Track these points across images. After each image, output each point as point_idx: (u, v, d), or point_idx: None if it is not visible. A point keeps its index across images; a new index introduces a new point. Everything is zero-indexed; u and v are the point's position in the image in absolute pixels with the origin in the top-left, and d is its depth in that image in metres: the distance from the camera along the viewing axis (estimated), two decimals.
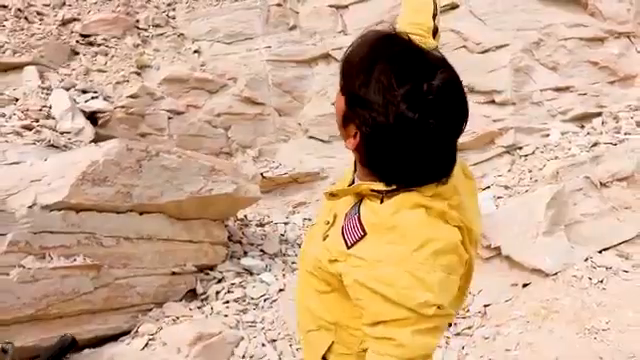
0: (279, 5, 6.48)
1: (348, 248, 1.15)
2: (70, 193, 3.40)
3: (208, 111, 5.77)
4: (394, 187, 1.13)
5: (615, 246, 4.25)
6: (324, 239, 1.24)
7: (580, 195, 4.46)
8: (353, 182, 1.27)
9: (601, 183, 4.54)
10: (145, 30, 5.96)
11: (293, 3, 6.64)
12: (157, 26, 6.05)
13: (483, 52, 6.01)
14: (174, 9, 6.33)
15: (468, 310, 3.88)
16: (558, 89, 5.95)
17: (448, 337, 3.63)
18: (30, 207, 3.26)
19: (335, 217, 1.25)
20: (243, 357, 3.56)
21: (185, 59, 5.91)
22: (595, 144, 5.23)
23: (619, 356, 3.13)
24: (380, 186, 1.14)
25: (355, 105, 1.11)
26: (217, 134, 5.82)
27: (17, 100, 4.49)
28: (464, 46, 6.10)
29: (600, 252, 4.20)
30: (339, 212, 1.25)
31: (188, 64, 5.83)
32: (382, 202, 1.15)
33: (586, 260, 4.08)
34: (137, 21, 5.97)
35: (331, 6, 6.62)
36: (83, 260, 3.44)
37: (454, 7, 6.31)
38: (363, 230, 1.14)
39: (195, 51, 6.07)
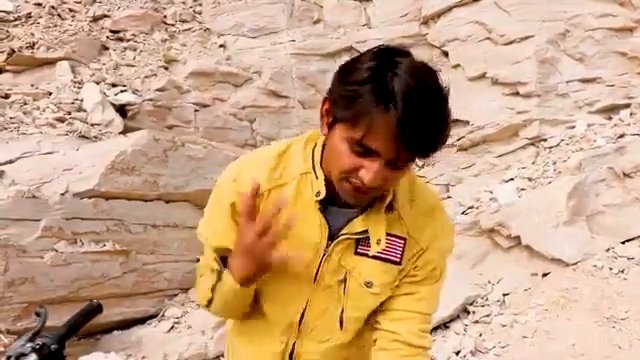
0: None
1: None
2: (100, 182, 3.56)
3: (233, 104, 5.88)
4: None
5: (639, 237, 4.20)
6: None
7: (603, 186, 4.40)
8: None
9: (624, 174, 4.46)
10: (172, 25, 6.11)
11: None
12: (184, 21, 6.20)
13: (507, 44, 5.94)
14: (200, 4, 6.46)
15: (487, 299, 3.89)
16: (585, 80, 5.84)
17: (466, 324, 3.66)
18: (62, 194, 3.43)
19: None
20: None
21: (211, 53, 6.02)
22: (621, 135, 5.13)
23: (637, 344, 3.12)
24: None
25: None
26: (242, 127, 5.92)
27: (51, 94, 4.66)
28: (488, 38, 6.05)
29: (623, 243, 4.15)
30: None
31: (214, 58, 5.94)
32: None
33: (607, 250, 4.04)
34: (164, 17, 6.12)
35: None
36: (112, 246, 3.59)
37: None
38: None
39: (221, 45, 6.19)
